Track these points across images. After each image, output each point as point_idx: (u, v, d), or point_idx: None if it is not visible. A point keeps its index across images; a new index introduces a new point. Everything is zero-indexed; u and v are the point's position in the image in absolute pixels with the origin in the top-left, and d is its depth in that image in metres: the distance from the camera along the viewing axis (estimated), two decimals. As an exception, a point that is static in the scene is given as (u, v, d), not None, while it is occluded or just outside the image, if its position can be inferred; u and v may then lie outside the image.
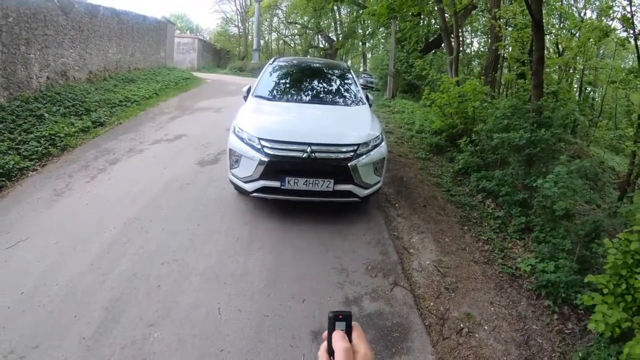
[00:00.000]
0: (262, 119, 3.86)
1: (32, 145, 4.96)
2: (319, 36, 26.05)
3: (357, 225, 3.64)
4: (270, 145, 3.36)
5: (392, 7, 7.15)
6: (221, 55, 25.75)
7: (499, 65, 9.80)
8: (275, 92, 4.61)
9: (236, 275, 2.80)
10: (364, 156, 3.44)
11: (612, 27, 6.11)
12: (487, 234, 3.69)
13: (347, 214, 3.84)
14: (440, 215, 4.03)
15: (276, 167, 3.33)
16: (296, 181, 3.32)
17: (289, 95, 4.58)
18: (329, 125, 3.83)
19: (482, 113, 5.71)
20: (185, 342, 2.17)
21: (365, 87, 21.28)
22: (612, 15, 5.42)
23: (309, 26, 24.82)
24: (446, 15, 8.40)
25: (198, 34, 28.17)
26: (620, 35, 6.37)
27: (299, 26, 26.80)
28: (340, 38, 24.00)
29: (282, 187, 3.36)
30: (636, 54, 4.95)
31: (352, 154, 3.39)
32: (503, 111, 4.62)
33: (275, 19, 28.05)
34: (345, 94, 4.70)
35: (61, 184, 4.19)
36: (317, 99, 4.58)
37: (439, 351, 2.28)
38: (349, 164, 3.36)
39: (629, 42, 5.38)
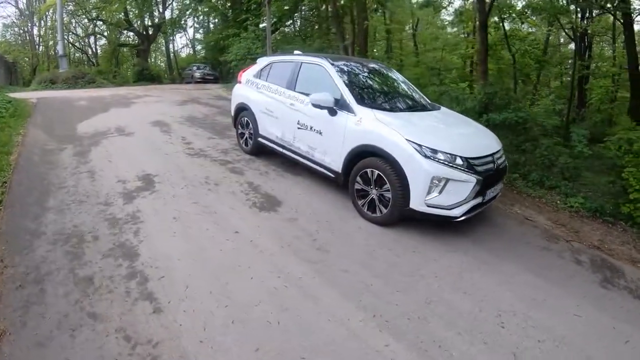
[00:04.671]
0: (439, 134, 3.88)
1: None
2: (128, 32, 22.72)
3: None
4: (477, 163, 3.62)
5: None
6: (12, 70, 18.92)
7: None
8: (376, 100, 4.48)
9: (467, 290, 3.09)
10: (504, 157, 4.21)
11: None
12: (530, 191, 5.39)
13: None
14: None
15: (484, 183, 3.61)
16: (490, 192, 3.83)
17: (393, 104, 4.58)
18: (470, 133, 4.26)
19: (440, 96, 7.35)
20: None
21: (205, 81, 20.56)
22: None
23: (114, 22, 20.95)
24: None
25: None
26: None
27: (100, 23, 22.33)
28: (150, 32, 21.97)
29: (483, 201, 3.76)
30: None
31: (503, 157, 4.17)
32: (483, 96, 6.40)
33: (67, 18, 21.82)
34: (422, 97, 5.06)
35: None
36: (415, 105, 4.69)
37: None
38: (506, 166, 4.18)
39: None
